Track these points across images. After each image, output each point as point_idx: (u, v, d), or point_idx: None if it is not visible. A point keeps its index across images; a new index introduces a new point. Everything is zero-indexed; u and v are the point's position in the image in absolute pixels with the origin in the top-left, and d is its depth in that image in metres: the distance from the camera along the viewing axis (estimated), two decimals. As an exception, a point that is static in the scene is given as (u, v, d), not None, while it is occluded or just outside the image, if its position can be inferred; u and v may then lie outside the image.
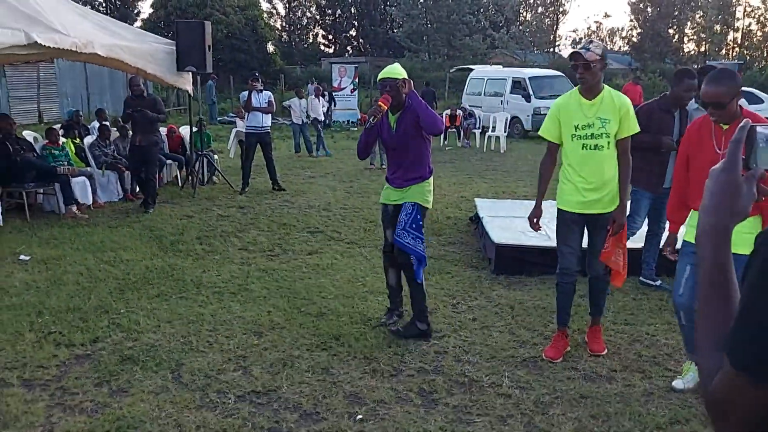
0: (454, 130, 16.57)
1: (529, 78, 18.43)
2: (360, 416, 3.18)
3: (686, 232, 3.38)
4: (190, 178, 9.62)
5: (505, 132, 15.57)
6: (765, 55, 41.76)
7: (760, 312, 0.79)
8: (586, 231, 3.86)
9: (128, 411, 3.20)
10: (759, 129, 0.94)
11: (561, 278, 3.86)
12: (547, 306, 4.58)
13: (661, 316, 4.48)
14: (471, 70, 22.17)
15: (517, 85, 18.51)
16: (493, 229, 5.90)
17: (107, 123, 9.55)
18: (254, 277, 5.39)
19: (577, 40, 52.66)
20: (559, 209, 3.84)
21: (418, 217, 4.01)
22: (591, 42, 3.72)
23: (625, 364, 3.73)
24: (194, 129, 9.82)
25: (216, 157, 10.65)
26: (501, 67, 23.46)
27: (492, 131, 15.68)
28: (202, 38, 8.67)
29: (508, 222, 6.16)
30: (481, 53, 37.34)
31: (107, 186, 8.59)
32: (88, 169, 8.40)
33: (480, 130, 16.22)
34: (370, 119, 3.93)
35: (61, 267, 5.58)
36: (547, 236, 5.50)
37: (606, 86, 3.74)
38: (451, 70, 27.29)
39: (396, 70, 4.00)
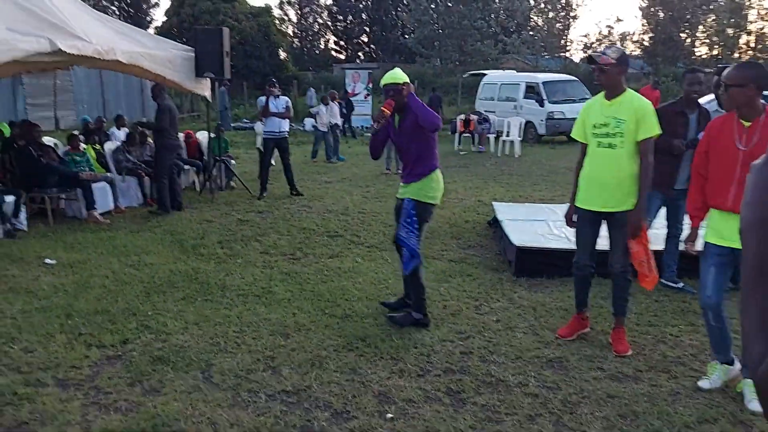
0: (468, 135, 16.62)
1: (543, 82, 18.44)
2: (390, 415, 3.22)
3: (706, 234, 3.40)
4: (208, 183, 9.72)
5: (519, 137, 15.59)
6: (779, 58, 41.46)
7: None
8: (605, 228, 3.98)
9: (162, 410, 3.26)
10: None
11: (575, 270, 4.13)
12: (568, 308, 4.60)
13: (685, 318, 4.49)
14: (484, 75, 22.23)
15: (531, 90, 18.53)
16: (513, 232, 5.93)
17: (138, 129, 9.68)
18: (277, 280, 5.45)
19: (588, 45, 52.57)
20: (576, 206, 4.02)
21: (413, 212, 4.27)
22: (609, 47, 3.89)
23: (651, 364, 3.75)
24: (212, 135, 9.93)
25: (233, 162, 10.76)
26: (514, 72, 23.50)
27: (506, 136, 15.71)
28: (221, 44, 8.78)
29: (527, 225, 6.19)
30: (493, 58, 37.37)
31: (127, 191, 8.70)
32: (109, 174, 8.52)
33: (494, 135, 16.25)
34: (375, 124, 4.25)
35: (86, 270, 5.67)
36: (566, 239, 5.55)
37: (629, 89, 3.85)
38: (463, 76, 27.35)
39: (397, 75, 4.24)
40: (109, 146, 8.99)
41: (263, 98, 9.50)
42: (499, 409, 3.27)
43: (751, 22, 44.43)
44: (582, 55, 49.71)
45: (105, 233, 7.10)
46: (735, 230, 3.21)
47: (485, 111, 18.00)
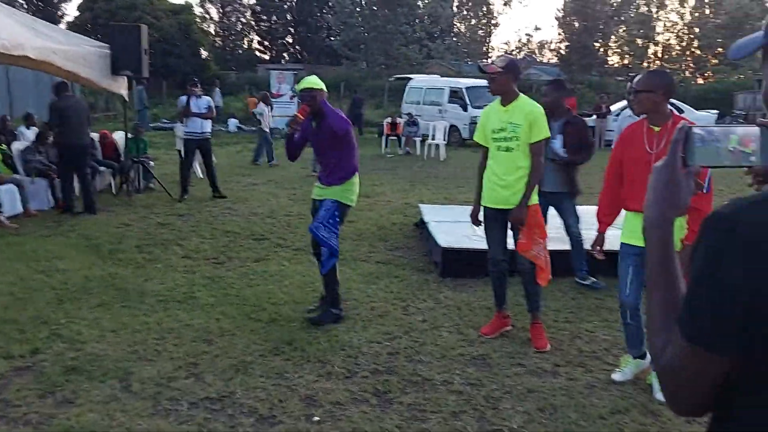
0: (395, 138, 16.76)
1: (466, 88, 18.86)
2: (317, 418, 3.20)
3: (623, 234, 3.57)
4: (125, 185, 9.37)
5: (444, 140, 15.87)
6: (683, 68, 44.05)
7: (707, 290, 0.89)
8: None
9: (77, 421, 3.12)
10: (695, 130, 1.05)
11: (491, 266, 4.32)
12: (492, 306, 4.69)
13: (599, 314, 4.70)
14: (410, 79, 22.50)
15: (455, 95, 18.92)
16: (439, 233, 6.03)
17: (44, 128, 9.20)
18: (200, 284, 5.31)
19: (509, 52, 54.16)
20: (482, 206, 4.26)
21: (336, 213, 4.41)
22: (499, 57, 4.21)
23: (568, 359, 3.91)
24: (130, 135, 9.57)
25: (152, 163, 10.41)
26: (439, 76, 23.90)
27: (432, 139, 15.95)
28: (138, 42, 8.50)
29: (452, 227, 6.30)
30: (418, 63, 37.87)
31: (37, 194, 8.25)
32: (17, 176, 8.06)
33: (420, 138, 16.46)
34: (287, 129, 4.46)
35: (-8, 277, 5.35)
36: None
37: (522, 95, 4.14)
38: (390, 79, 27.56)
39: (312, 81, 4.45)
40: (17, 146, 8.50)
41: (184, 98, 9.25)
42: (425, 407, 3.31)
43: (658, 34, 47.02)
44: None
45: (12, 238, 6.71)
46: None
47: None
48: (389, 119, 17.12)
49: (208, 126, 9.24)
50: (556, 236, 5.35)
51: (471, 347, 4.08)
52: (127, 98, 9.33)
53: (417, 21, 40.67)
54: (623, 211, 3.68)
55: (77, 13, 37.17)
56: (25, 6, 40.70)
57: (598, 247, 3.83)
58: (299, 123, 4.38)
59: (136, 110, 20.76)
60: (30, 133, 10.69)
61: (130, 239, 6.80)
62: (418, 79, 22.03)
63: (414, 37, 39.12)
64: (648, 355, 3.60)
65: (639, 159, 3.39)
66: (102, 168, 9.68)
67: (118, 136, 10.30)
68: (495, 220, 4.22)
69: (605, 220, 3.79)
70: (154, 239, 6.83)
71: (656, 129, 3.37)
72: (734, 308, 0.86)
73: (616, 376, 3.61)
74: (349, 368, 3.77)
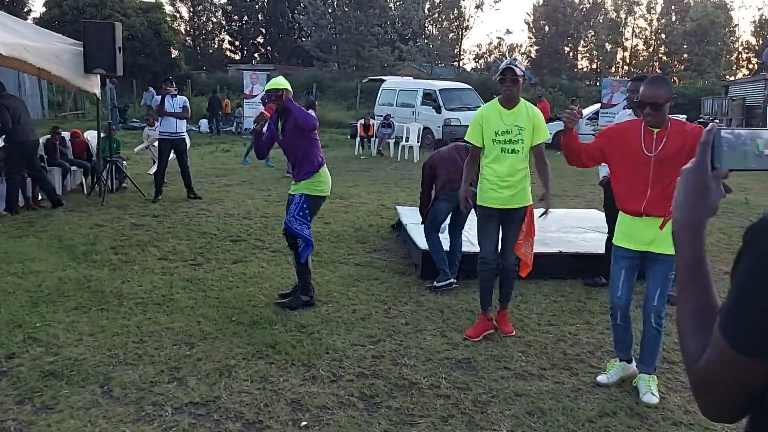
0: (367, 139, 16.75)
1: (440, 90, 18.94)
2: (304, 423, 3.17)
3: (616, 237, 3.59)
4: (97, 185, 9.18)
5: (418, 142, 15.91)
6: (650, 72, 44.95)
7: (756, 297, 0.89)
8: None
9: (57, 428, 3.03)
10: (723, 133, 1.05)
11: (482, 266, 4.33)
12: (474, 309, 4.74)
13: (581, 317, 4.75)
14: (383, 81, 22.50)
15: (428, 97, 18.97)
16: (418, 235, 6.03)
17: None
18: (178, 287, 5.23)
19: (480, 55, 54.60)
20: (479, 206, 4.31)
21: (305, 206, 4.72)
22: (516, 59, 4.23)
23: (553, 362, 3.93)
24: (102, 134, 9.38)
25: (125, 163, 10.23)
26: (411, 78, 23.96)
27: (405, 141, 15.98)
28: (113, 40, 8.33)
29: (431, 229, 6.30)
30: (390, 65, 37.98)
31: (2, 194, 8.02)
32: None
33: (393, 140, 16.47)
34: (255, 125, 4.71)
35: (-38, 280, 5.18)
36: (469, 242, 5.72)
37: (522, 99, 4.26)
38: (363, 81, 27.54)
39: (278, 82, 4.73)
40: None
41: (158, 97, 9.10)
42: (413, 411, 3.30)
43: (626, 39, 47.89)
44: (473, 64, 51.58)
45: (-19, 239, 6.52)
46: (645, 234, 3.42)
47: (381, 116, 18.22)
48: (362, 121, 17.11)
49: (182, 126, 9.11)
50: (536, 239, 5.39)
51: (455, 350, 4.08)
52: (99, 97, 9.13)
53: (389, 23, 40.79)
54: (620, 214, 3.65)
55: (44, 9, 36.34)
56: (-12, 0, 39.63)
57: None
58: (266, 120, 4.63)
59: (109, 109, 20.44)
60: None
61: (105, 240, 6.66)
62: (391, 81, 22.06)
63: (386, 38, 39.23)
64: (634, 361, 3.64)
65: (634, 160, 3.39)
66: (73, 167, 9.49)
67: (91, 135, 10.09)
68: (494, 220, 4.27)
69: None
70: (130, 240, 6.70)
71: (655, 131, 3.36)
72: None
73: (602, 378, 3.65)
74: (335, 372, 3.74)
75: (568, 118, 3.44)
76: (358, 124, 17.14)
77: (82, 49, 8.17)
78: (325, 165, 4.83)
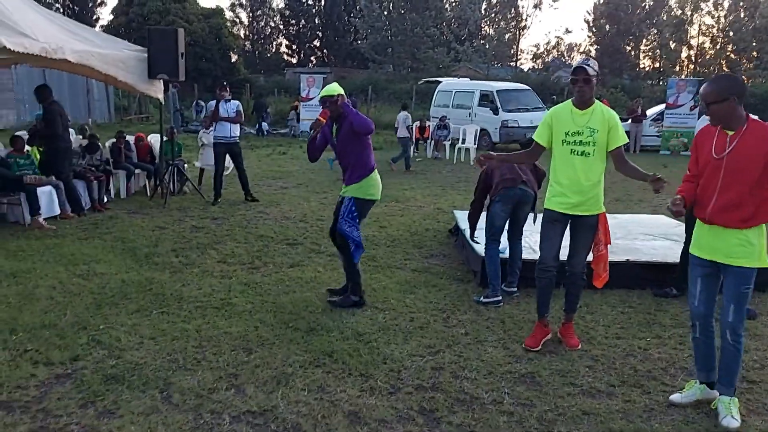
0: (423, 141, 16.64)
1: (497, 91, 18.65)
2: (363, 436, 3.09)
3: (692, 245, 3.38)
4: (159, 188, 9.39)
5: (474, 144, 15.69)
6: (716, 71, 43.18)
7: None
8: (568, 231, 4.15)
9: (119, 434, 3.05)
10: None
11: (540, 273, 4.16)
12: (536, 320, 4.56)
13: (651, 330, 4.51)
14: (438, 82, 22.33)
15: (485, 98, 18.71)
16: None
17: (95, 135, 9.30)
18: (237, 290, 5.24)
19: (538, 55, 53.68)
20: (545, 209, 4.14)
21: (353, 209, 4.78)
22: (588, 59, 4.05)
23: (623, 378, 3.73)
24: (165, 138, 9.59)
25: (186, 166, 10.44)
26: (468, 79, 23.70)
27: (462, 143, 15.79)
28: (175, 45, 8.49)
29: (491, 235, 6.14)
30: (445, 66, 37.69)
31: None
32: (53, 178, 8.10)
33: (449, 142, 16.31)
34: (310, 131, 4.83)
35: (31, 281, 5.34)
36: (531, 249, 5.54)
37: (597, 100, 4.03)
38: (419, 83, 27.41)
39: (333, 89, 4.77)
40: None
41: (213, 102, 9.23)
42: (475, 428, 3.18)
43: (692, 37, 46.18)
44: (531, 64, 50.77)
45: (50, 240, 6.73)
46: (712, 243, 3.21)
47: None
48: (418, 123, 16.99)
49: (236, 130, 9.19)
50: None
51: (518, 364, 3.93)
52: (163, 101, 9.34)
53: (444, 24, 40.53)
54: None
55: (111, 17, 37.73)
56: (61, 10, 41.46)
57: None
58: (321, 126, 4.73)
59: (170, 113, 21.02)
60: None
61: (166, 242, 6.77)
62: (447, 83, 21.85)
63: (441, 40, 38.97)
64: (717, 386, 3.35)
65: (707, 163, 3.20)
66: (137, 170, 9.73)
67: (154, 139, 10.35)
68: (557, 225, 4.08)
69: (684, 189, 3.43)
70: (190, 243, 6.80)
71: (729, 133, 3.16)
72: None
73: (676, 397, 3.43)
74: (393, 383, 3.65)
75: (676, 211, 3.24)
76: (414, 126, 17.03)
77: (146, 55, 8.36)
78: (376, 170, 4.85)
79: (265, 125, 22.49)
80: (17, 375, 3.63)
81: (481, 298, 5.07)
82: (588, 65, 3.90)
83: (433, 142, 16.46)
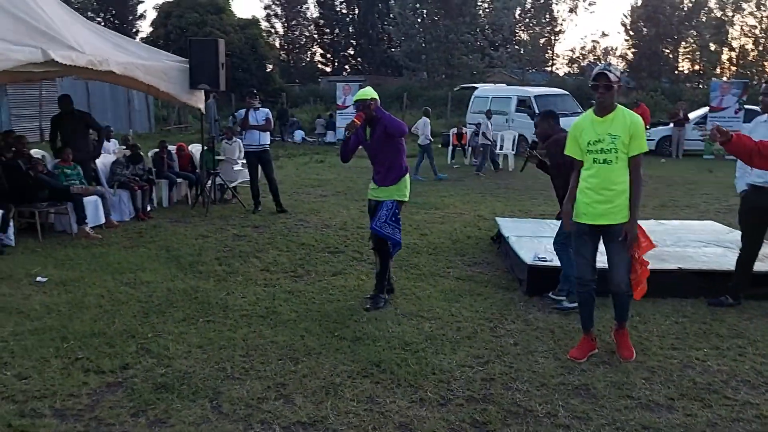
0: (460, 148, 16.54)
1: (535, 96, 18.45)
2: (415, 449, 3.03)
3: None
4: (201, 197, 9.49)
5: (513, 150, 15.53)
6: (759, 73, 42.03)
7: None
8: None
9: (171, 444, 3.05)
10: None
11: (579, 288, 4.15)
12: (587, 330, 4.44)
13: (708, 341, 4.35)
14: (474, 88, 22.20)
15: (522, 104, 18.53)
16: (522, 249, 5.78)
17: (137, 146, 9.49)
18: (281, 299, 5.24)
19: (574, 59, 53.04)
20: (574, 222, 4.07)
21: (397, 212, 4.95)
22: (610, 64, 3.98)
23: (682, 391, 3.59)
24: (205, 147, 9.70)
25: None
26: (505, 85, 23.51)
27: (500, 149, 15.63)
28: (216, 56, 8.58)
29: (535, 242, 6.04)
30: (480, 72, 37.48)
31: (119, 205, 8.45)
32: (100, 188, 8.26)
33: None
34: (345, 133, 4.92)
35: (80, 289, 5.43)
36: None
37: (619, 105, 3.96)
38: (454, 89, 27.31)
39: (366, 93, 4.92)
40: (107, 159, 8.79)
41: (242, 111, 9.26)
42: (530, 441, 3.09)
43: (733, 38, 45.09)
44: (567, 69, 50.18)
45: (97, 249, 6.85)
46: None
47: (471, 124, 17.89)
48: (455, 129, 16.90)
49: (266, 138, 9.15)
50: (651, 253, 5.02)
51: (571, 375, 3.82)
52: (204, 111, 9.46)
53: (478, 30, 40.30)
54: None
55: (150, 29, 38.56)
56: (103, 23, 42.57)
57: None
58: (356, 126, 4.81)
59: (210, 123, 21.32)
60: (110, 146, 11.04)
61: (209, 251, 6.83)
62: (484, 89, 21.70)
63: (475, 46, 38.78)
64: None
65: None
66: (179, 180, 9.87)
67: (195, 149, 10.49)
68: (588, 238, 4.02)
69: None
70: (233, 251, 6.84)
71: None
72: None
73: None
74: (443, 395, 3.58)
75: (711, 137, 3.14)
76: (451, 133, 16.95)
77: (187, 65, 8.47)
78: (409, 172, 5.11)
79: (300, 133, 22.65)
80: (69, 383, 3.67)
81: (564, 304, 4.99)
82: (609, 71, 3.83)
83: (470, 149, 16.33)
